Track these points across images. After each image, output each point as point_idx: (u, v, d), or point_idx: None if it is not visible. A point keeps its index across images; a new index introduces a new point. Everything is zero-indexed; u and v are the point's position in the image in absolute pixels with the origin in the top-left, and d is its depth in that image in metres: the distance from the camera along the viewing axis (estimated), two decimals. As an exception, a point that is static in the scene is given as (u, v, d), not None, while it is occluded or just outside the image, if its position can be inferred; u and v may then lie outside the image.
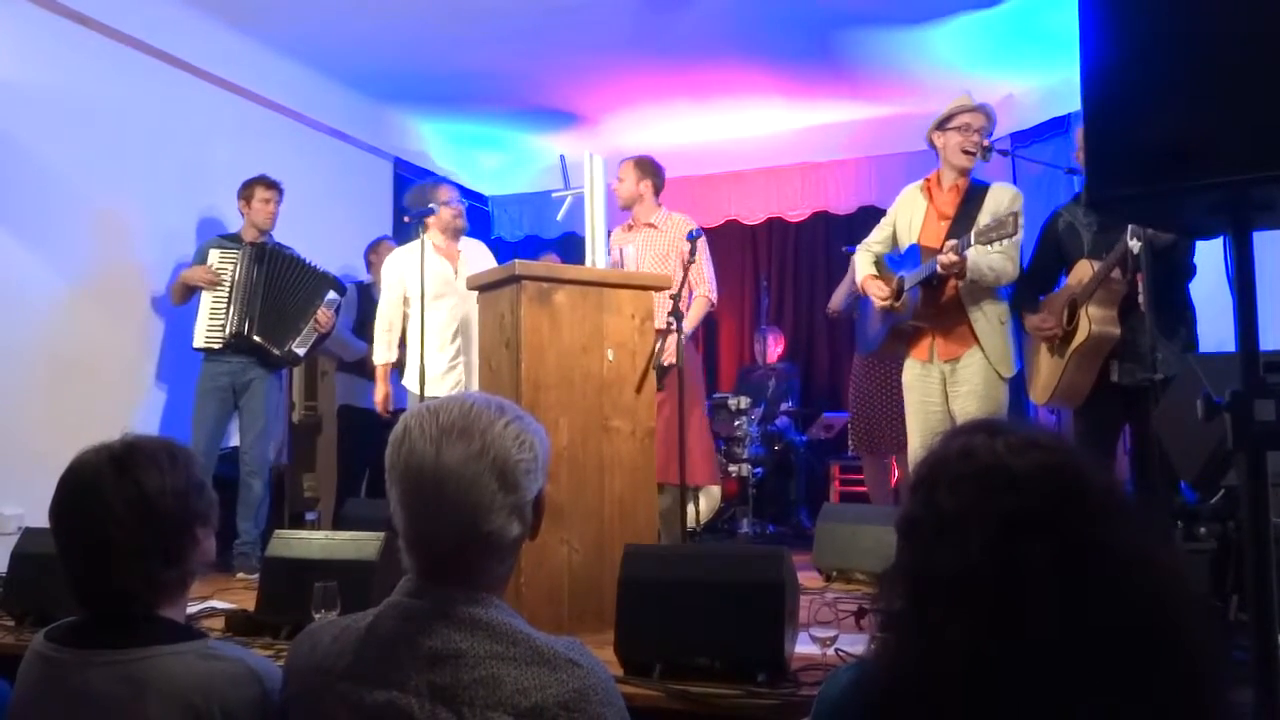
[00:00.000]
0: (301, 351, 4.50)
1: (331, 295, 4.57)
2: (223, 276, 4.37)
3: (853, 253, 5.74)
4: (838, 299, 5.63)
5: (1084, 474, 0.91)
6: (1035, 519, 0.87)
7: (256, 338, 4.33)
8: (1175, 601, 0.87)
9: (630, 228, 4.46)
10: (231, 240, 4.50)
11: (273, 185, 4.50)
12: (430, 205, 4.27)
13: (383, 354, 4.39)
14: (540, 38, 5.32)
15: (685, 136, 6.96)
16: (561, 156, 5.28)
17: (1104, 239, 3.30)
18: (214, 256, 4.41)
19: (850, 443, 5.44)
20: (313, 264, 4.56)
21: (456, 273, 4.30)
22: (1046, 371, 3.50)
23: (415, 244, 4.39)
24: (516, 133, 6.85)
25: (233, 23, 5.07)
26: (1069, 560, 0.85)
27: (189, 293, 4.42)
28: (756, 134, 6.93)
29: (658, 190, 4.46)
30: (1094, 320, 3.24)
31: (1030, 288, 3.58)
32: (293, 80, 5.58)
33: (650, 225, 4.39)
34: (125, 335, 4.60)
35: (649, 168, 4.46)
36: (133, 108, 4.58)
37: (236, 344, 4.33)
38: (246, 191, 4.49)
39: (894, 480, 5.50)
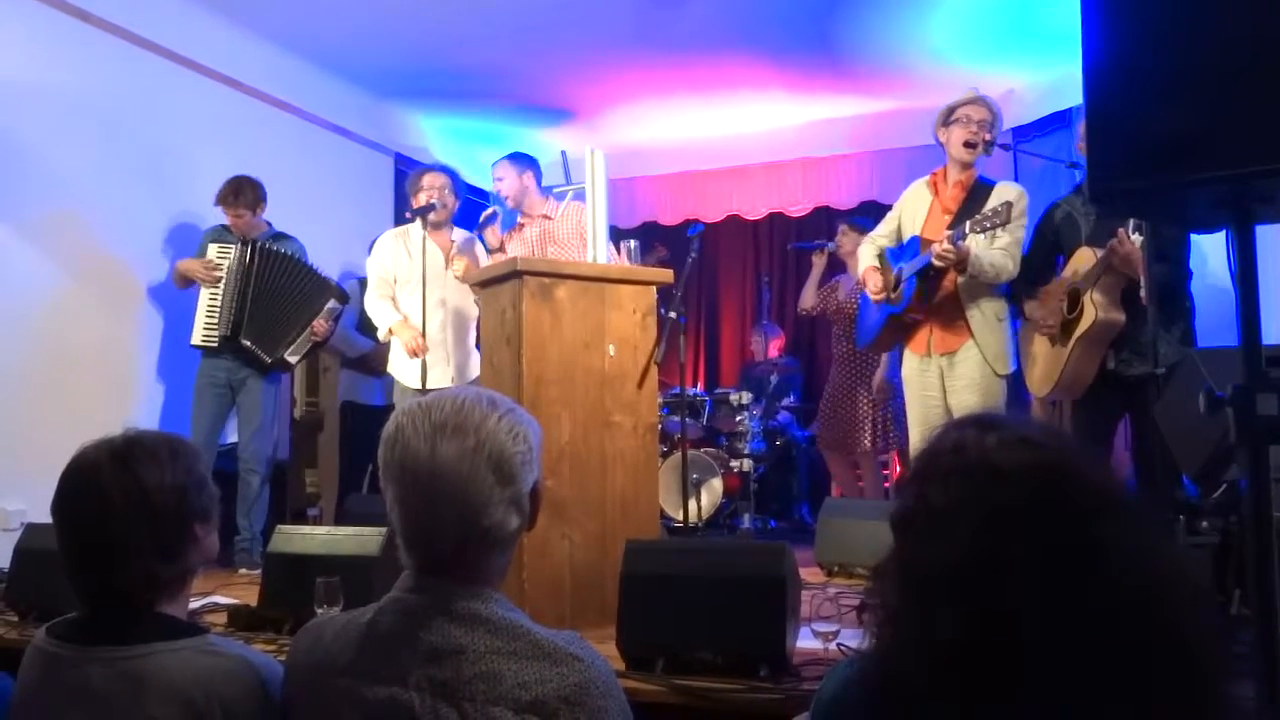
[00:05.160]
0: (294, 360, 4.39)
1: (332, 304, 4.42)
2: (218, 274, 4.28)
3: (800, 248, 5.84)
4: (807, 298, 5.61)
5: (1075, 470, 0.91)
6: (1022, 515, 0.87)
7: (245, 341, 4.24)
8: (1174, 596, 0.86)
9: (522, 226, 4.46)
10: (229, 232, 4.38)
11: (234, 203, 4.29)
12: (410, 192, 4.32)
13: (390, 315, 4.21)
14: (541, 33, 5.31)
15: (686, 131, 6.95)
16: (563, 152, 5.28)
17: (1104, 227, 3.29)
18: (212, 251, 4.33)
19: (819, 441, 5.46)
20: (314, 267, 4.44)
21: (448, 261, 4.26)
22: (1047, 362, 3.46)
23: (401, 230, 4.39)
24: (517, 128, 6.84)
25: (232, 18, 5.06)
26: (1058, 556, 0.85)
27: (187, 282, 4.37)
28: (757, 129, 6.91)
29: (539, 180, 4.47)
30: (1099, 306, 3.22)
31: (1026, 277, 3.55)
32: (293, 76, 5.57)
33: (545, 216, 4.39)
34: (125, 330, 4.58)
35: (523, 160, 4.48)
36: (131, 103, 4.56)
37: (227, 346, 4.27)
38: (219, 200, 4.35)
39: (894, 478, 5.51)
